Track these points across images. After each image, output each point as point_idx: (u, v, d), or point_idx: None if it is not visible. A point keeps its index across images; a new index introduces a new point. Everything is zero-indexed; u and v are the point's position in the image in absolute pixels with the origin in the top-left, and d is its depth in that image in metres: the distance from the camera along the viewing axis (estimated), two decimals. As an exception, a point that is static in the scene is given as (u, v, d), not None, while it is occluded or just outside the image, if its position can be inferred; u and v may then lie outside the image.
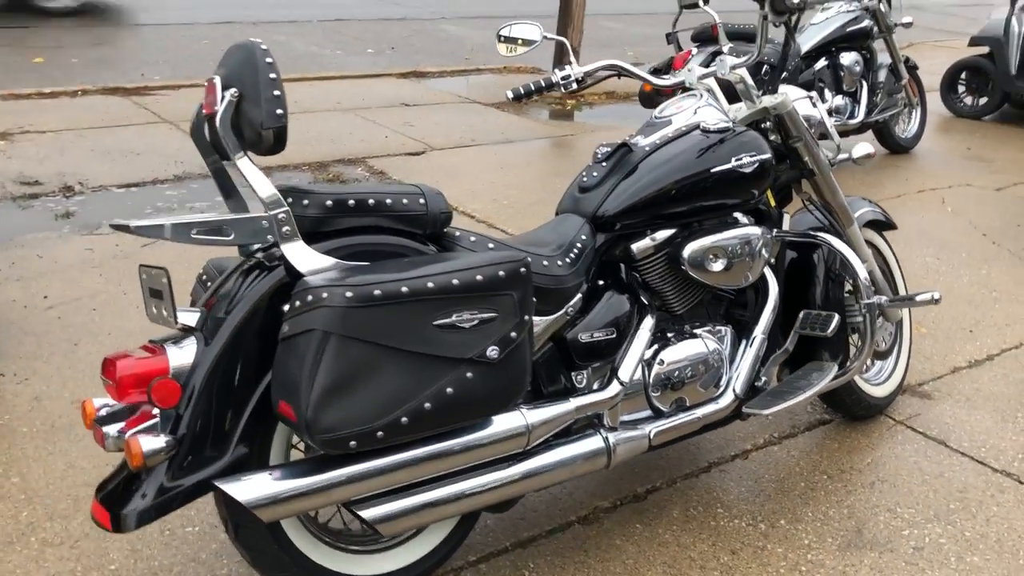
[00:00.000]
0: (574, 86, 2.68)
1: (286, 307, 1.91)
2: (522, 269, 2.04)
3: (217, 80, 1.98)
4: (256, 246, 2.06)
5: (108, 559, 2.40)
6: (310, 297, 1.83)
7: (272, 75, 1.93)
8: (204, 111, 2.00)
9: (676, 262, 2.54)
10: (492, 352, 1.98)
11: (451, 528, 2.32)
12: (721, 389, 2.60)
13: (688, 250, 2.53)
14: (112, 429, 1.90)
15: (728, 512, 2.72)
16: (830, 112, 4.74)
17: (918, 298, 2.83)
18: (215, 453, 1.91)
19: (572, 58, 2.76)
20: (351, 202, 2.06)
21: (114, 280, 4.02)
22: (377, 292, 1.83)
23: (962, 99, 8.41)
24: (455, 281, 1.92)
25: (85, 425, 1.99)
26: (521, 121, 7.51)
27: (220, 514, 2.08)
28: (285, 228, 1.96)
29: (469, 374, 1.95)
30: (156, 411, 1.90)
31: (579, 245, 2.43)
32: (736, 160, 2.56)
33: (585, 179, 2.57)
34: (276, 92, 1.92)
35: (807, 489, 2.84)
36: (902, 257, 3.65)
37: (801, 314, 2.83)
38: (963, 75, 8.37)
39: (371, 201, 2.07)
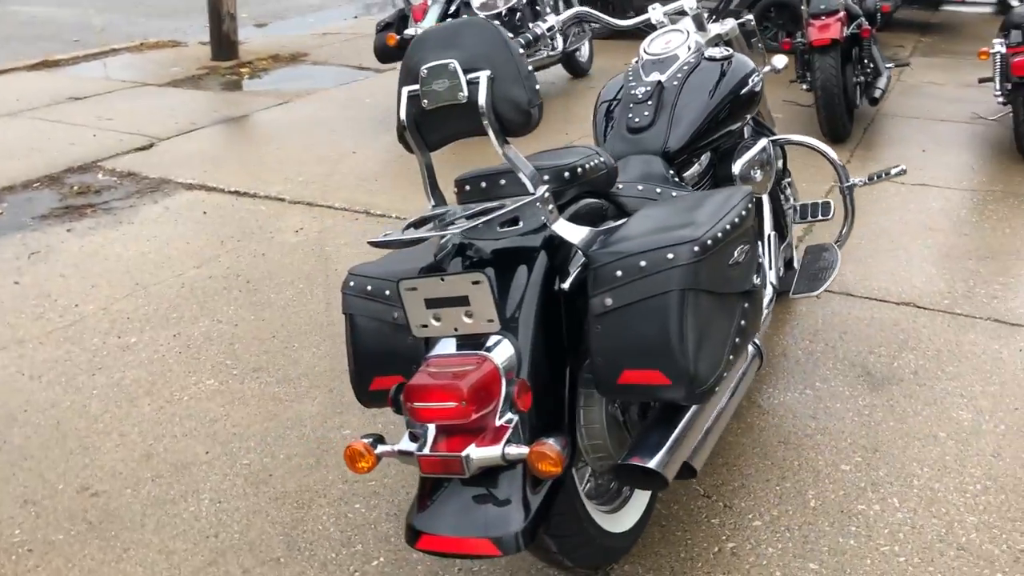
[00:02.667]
0: (557, 41, 2.79)
1: (593, 281, 1.78)
2: (753, 199, 2.09)
3: (456, 65, 1.78)
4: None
5: None
6: (643, 263, 1.74)
7: (518, 50, 1.84)
8: (444, 99, 1.80)
9: (726, 180, 2.72)
10: (757, 280, 2.04)
11: (647, 500, 2.32)
12: (766, 287, 2.86)
13: (738, 166, 2.72)
14: (478, 452, 1.64)
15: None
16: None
17: (892, 171, 3.30)
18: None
19: (548, 8, 2.84)
20: (577, 171, 2.02)
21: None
22: (709, 242, 1.79)
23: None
24: (736, 220, 1.93)
25: (360, 467, 1.74)
26: (222, 96, 6.92)
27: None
28: (551, 207, 1.84)
29: (746, 304, 1.99)
30: (510, 417, 1.68)
31: (673, 179, 2.51)
32: (752, 80, 2.78)
33: (637, 120, 2.62)
34: (529, 67, 1.86)
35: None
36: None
37: (798, 206, 3.17)
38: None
39: (580, 169, 2.03)
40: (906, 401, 2.78)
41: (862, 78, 5.61)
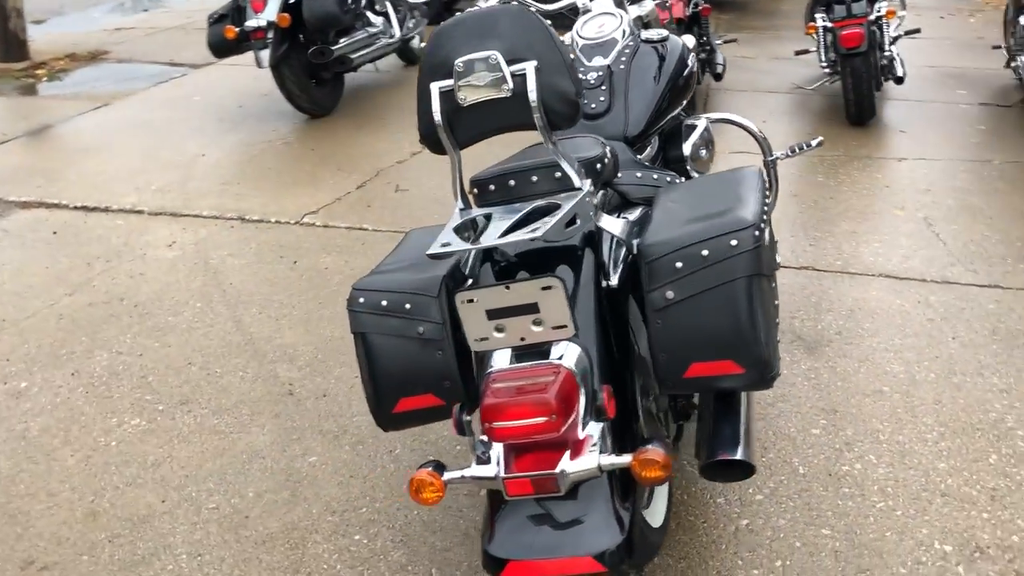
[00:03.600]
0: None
1: (650, 275, 1.74)
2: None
3: (499, 57, 1.67)
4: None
5: None
6: (705, 252, 1.71)
7: (559, 37, 1.77)
8: (484, 93, 1.70)
9: (676, 162, 2.75)
10: (779, 259, 2.08)
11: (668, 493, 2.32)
12: None
13: (688, 147, 2.76)
14: (574, 466, 1.56)
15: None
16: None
17: (812, 143, 3.40)
18: (633, 442, 1.73)
19: None
20: (604, 162, 1.97)
21: None
22: (763, 226, 1.78)
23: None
24: (764, 200, 1.94)
25: (426, 497, 1.64)
26: (24, 101, 6.26)
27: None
28: (596, 201, 1.80)
29: (774, 284, 2.01)
30: (595, 425, 1.62)
31: (644, 164, 2.51)
32: (690, 61, 2.82)
33: (594, 106, 2.60)
34: (570, 55, 1.75)
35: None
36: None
37: None
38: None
39: (606, 159, 1.99)
40: (843, 361, 2.93)
41: (703, 55, 5.85)
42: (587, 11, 2.91)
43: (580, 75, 2.62)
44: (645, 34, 2.77)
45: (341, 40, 5.65)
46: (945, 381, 2.80)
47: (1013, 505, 2.27)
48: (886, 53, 5.48)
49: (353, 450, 2.54)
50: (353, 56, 5.71)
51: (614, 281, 1.80)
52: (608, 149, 2.01)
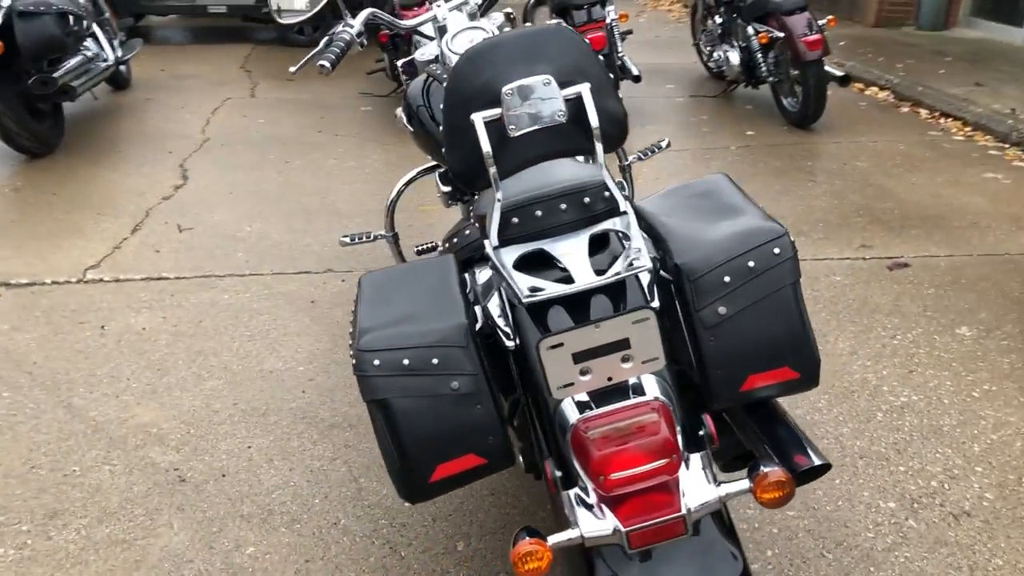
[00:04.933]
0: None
1: (697, 292, 1.72)
2: None
3: (553, 81, 1.57)
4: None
5: None
6: (751, 263, 1.72)
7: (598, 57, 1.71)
8: (537, 121, 1.59)
9: None
10: None
11: None
12: None
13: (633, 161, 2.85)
14: (697, 502, 1.51)
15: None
16: None
17: (662, 145, 3.47)
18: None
19: (345, 9, 2.60)
20: (621, 185, 1.96)
21: None
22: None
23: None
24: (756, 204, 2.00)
25: (533, 568, 1.50)
26: None
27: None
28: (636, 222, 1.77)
29: None
30: (697, 457, 1.59)
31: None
32: None
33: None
34: (611, 74, 1.68)
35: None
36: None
37: None
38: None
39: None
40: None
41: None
42: (443, 28, 2.82)
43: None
44: None
45: (59, 67, 4.97)
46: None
47: (916, 455, 2.55)
48: (619, 54, 5.87)
49: (291, 530, 2.26)
50: (75, 84, 5.05)
51: (656, 304, 1.76)
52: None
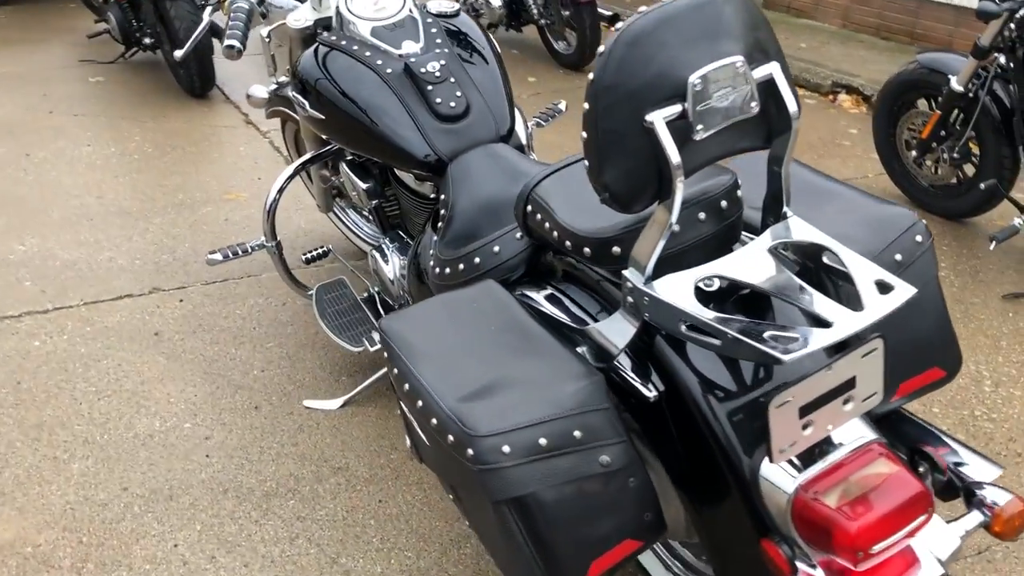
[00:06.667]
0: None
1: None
2: None
3: (744, 64, 1.24)
4: None
5: None
6: (899, 256, 1.51)
7: None
8: (730, 115, 1.26)
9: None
10: None
11: None
12: None
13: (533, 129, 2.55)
14: (941, 550, 1.31)
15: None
16: None
17: (561, 106, 3.05)
18: None
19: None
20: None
21: None
22: None
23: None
24: None
25: None
26: None
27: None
28: None
29: None
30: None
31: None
32: (489, 35, 2.44)
33: (453, 105, 2.11)
34: None
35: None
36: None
37: None
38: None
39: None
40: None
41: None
42: None
43: (391, 65, 2.14)
44: (432, 7, 2.34)
45: None
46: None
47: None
48: None
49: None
50: None
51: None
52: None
